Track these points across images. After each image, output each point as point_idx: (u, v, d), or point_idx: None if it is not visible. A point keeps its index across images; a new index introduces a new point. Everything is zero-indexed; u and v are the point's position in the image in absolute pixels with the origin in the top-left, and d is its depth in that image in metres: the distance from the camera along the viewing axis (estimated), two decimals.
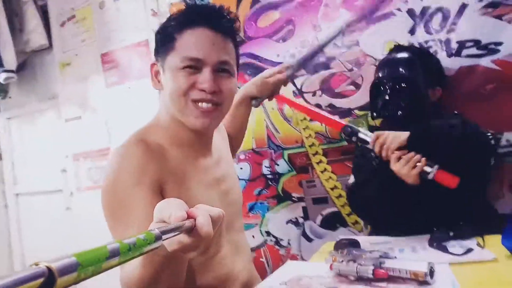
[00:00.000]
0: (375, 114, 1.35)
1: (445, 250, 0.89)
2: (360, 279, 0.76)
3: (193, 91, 0.81)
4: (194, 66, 0.80)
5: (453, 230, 0.99)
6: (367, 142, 1.11)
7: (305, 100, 1.72)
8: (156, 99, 2.11)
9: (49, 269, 0.24)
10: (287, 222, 1.78)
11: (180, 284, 0.66)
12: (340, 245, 0.94)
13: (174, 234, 0.42)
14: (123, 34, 2.19)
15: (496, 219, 1.33)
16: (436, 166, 0.97)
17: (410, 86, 1.28)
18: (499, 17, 1.41)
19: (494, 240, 0.88)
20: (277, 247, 1.80)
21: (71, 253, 0.27)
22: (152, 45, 2.10)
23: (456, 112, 1.34)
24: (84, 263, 0.27)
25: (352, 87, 1.66)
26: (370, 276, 0.74)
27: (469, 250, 0.86)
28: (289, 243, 1.78)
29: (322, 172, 1.69)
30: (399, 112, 1.27)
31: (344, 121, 1.26)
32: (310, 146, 1.72)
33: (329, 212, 1.70)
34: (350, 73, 1.66)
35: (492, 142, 1.12)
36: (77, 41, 2.31)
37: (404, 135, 1.03)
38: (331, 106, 1.69)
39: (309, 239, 1.74)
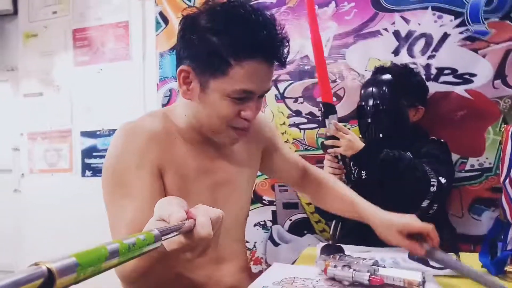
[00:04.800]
0: (361, 135, 1.41)
1: (426, 263, 0.93)
2: (354, 284, 0.77)
3: (236, 120, 0.78)
4: (244, 97, 0.76)
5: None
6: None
7: (286, 106, 1.74)
8: (128, 85, 2.03)
9: (48, 269, 0.25)
10: (255, 225, 1.77)
11: (170, 278, 0.68)
12: (326, 250, 0.94)
13: (173, 234, 0.43)
14: (100, 12, 2.07)
15: (455, 238, 1.42)
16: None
17: (389, 108, 1.35)
18: (475, 50, 1.51)
19: (467, 257, 0.94)
20: None
21: (70, 253, 0.27)
22: (133, 27, 2.03)
23: (435, 138, 1.41)
24: (83, 264, 0.27)
25: (333, 98, 1.69)
26: (366, 282, 0.75)
27: None
28: (255, 246, 1.77)
29: None
30: (380, 135, 1.36)
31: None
32: None
33: (298, 218, 1.72)
34: (333, 84, 1.70)
35: (433, 188, 1.17)
36: (48, 12, 2.16)
37: (358, 146, 1.26)
38: (310, 114, 1.72)
39: (275, 244, 1.74)
